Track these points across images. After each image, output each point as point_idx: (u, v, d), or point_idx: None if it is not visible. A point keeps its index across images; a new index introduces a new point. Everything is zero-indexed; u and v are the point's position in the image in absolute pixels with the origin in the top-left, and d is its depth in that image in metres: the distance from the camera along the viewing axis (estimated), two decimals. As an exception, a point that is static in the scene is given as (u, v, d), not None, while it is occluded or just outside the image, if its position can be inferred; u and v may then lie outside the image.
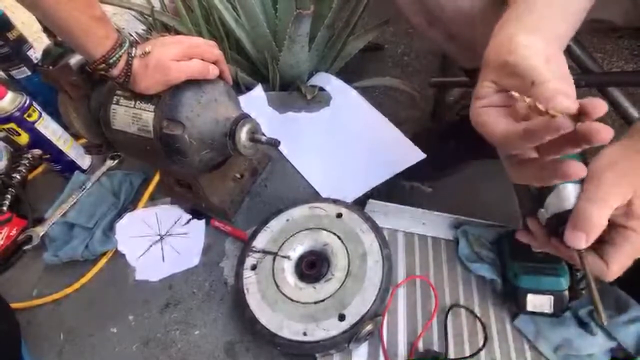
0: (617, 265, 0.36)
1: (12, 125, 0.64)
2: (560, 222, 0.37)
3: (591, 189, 0.35)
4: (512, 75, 0.34)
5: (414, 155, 0.67)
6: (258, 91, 0.82)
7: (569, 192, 0.37)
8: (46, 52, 0.67)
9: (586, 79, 0.75)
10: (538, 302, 0.48)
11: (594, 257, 0.36)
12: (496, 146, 0.38)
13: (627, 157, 0.36)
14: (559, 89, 0.30)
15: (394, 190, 0.68)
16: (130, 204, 0.69)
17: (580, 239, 0.35)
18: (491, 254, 0.54)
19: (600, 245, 0.36)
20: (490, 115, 0.36)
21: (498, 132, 0.35)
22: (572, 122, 0.28)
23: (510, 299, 0.50)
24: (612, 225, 0.35)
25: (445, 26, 0.60)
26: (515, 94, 0.32)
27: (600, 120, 0.29)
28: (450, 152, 0.78)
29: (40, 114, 0.68)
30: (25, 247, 0.63)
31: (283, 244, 0.54)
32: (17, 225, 0.67)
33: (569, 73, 0.35)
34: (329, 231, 0.54)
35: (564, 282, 0.47)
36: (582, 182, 0.36)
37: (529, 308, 0.48)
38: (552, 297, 0.47)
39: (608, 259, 0.36)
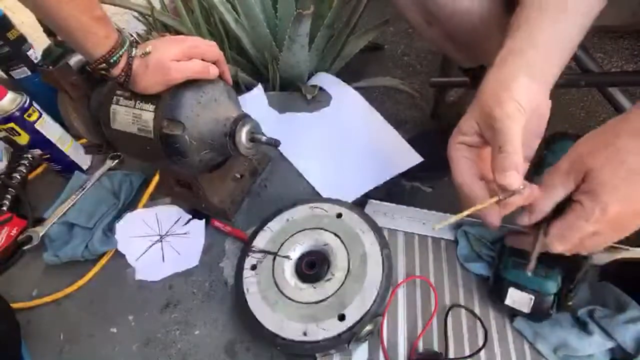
0: (555, 230, 0.38)
1: (12, 125, 0.64)
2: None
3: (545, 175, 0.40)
4: (490, 128, 0.39)
5: (412, 158, 0.68)
6: (258, 91, 0.82)
7: None
8: (46, 52, 0.67)
9: (586, 79, 0.75)
10: (518, 299, 0.47)
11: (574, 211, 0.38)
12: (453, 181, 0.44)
13: (590, 137, 0.38)
14: (516, 165, 0.36)
15: (394, 190, 0.68)
16: (130, 204, 0.69)
17: (523, 217, 0.40)
18: (491, 253, 0.54)
19: None
20: (460, 159, 0.43)
21: (459, 179, 0.42)
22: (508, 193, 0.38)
23: (493, 291, 0.50)
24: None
25: (444, 26, 0.60)
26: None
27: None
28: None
29: (40, 114, 0.68)
30: (25, 247, 0.63)
31: (283, 244, 0.54)
32: (17, 225, 0.67)
33: (541, 132, 0.41)
34: (329, 231, 0.54)
35: (551, 287, 0.46)
36: None
37: (507, 301, 0.48)
38: (533, 298, 0.46)
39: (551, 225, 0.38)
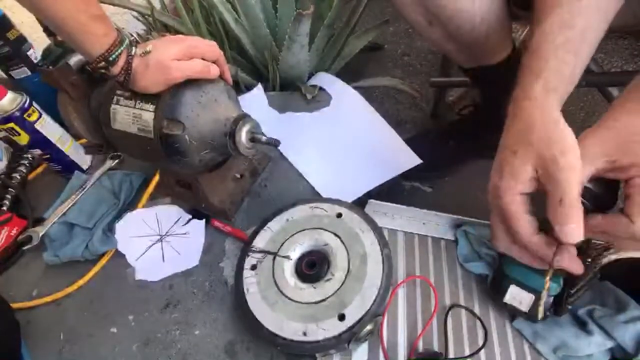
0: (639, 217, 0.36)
1: (12, 125, 0.64)
2: None
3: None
4: (552, 177, 0.36)
5: (410, 160, 0.68)
6: (258, 91, 0.82)
7: None
8: (46, 52, 0.67)
9: (586, 79, 0.75)
10: (517, 297, 0.47)
11: (617, 217, 0.37)
12: (514, 234, 0.42)
13: (597, 127, 0.38)
14: (579, 218, 0.35)
15: (394, 190, 0.68)
16: (130, 204, 0.69)
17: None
18: (491, 252, 0.54)
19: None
20: (523, 217, 0.40)
21: (526, 239, 0.40)
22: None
23: (493, 286, 0.50)
24: (616, 192, 0.37)
25: (444, 26, 0.60)
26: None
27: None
28: (450, 152, 0.78)
29: (40, 114, 0.68)
30: (25, 247, 0.63)
31: (283, 244, 0.54)
32: (18, 225, 0.67)
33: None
34: (329, 231, 0.54)
35: (553, 288, 0.45)
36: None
37: (507, 299, 0.48)
38: (533, 297, 0.46)
39: (629, 213, 0.36)
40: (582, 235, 0.35)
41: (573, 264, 0.39)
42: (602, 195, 0.37)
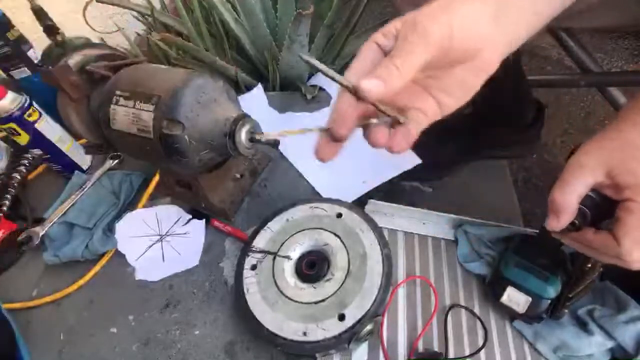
0: (627, 240, 0.34)
1: (12, 125, 0.64)
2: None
3: (563, 172, 0.37)
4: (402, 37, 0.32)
5: (410, 160, 0.68)
6: (258, 91, 0.82)
7: None
8: (46, 52, 0.67)
9: (586, 79, 0.75)
10: (514, 298, 0.47)
11: (606, 236, 0.36)
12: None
13: (602, 137, 0.37)
14: (389, 71, 0.30)
15: (394, 190, 0.68)
16: (130, 204, 0.69)
17: (551, 220, 0.37)
18: (491, 252, 0.54)
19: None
20: (368, 52, 0.33)
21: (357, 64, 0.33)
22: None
23: (491, 286, 0.50)
24: (617, 203, 0.35)
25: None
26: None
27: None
28: (450, 152, 0.78)
29: (40, 114, 0.68)
30: (25, 247, 0.63)
31: (283, 244, 0.54)
32: (6, 227, 0.66)
33: (473, 84, 0.34)
34: (329, 231, 0.54)
35: (550, 291, 0.46)
36: None
37: (504, 299, 0.48)
38: (530, 300, 0.47)
39: (617, 235, 0.35)
40: (379, 93, 0.29)
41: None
42: (603, 204, 0.36)
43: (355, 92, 0.29)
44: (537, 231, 0.52)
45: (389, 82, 0.29)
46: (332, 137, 0.34)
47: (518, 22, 0.34)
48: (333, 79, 0.29)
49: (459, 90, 0.34)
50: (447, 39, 0.30)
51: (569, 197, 0.36)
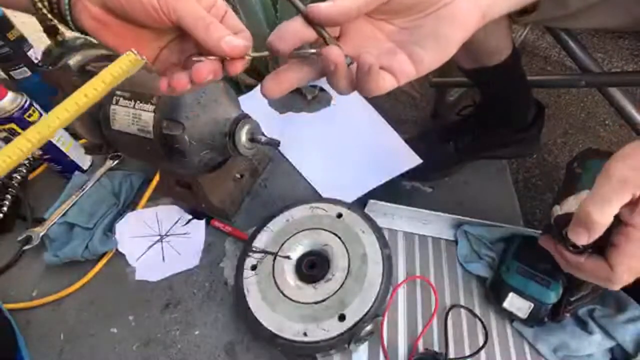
0: (621, 267, 0.34)
1: (12, 125, 0.64)
2: (567, 223, 0.36)
3: (597, 185, 0.33)
4: None
5: (411, 160, 0.68)
6: (258, 91, 0.82)
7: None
8: (46, 53, 0.67)
9: (586, 79, 0.75)
10: (516, 304, 0.48)
11: (599, 261, 0.35)
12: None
13: (631, 154, 0.33)
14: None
15: (394, 190, 0.68)
16: (130, 204, 0.69)
17: (580, 235, 0.33)
18: (490, 253, 0.54)
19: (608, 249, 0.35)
20: None
21: None
22: None
23: (493, 291, 0.50)
24: (618, 224, 0.34)
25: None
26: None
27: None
28: (450, 152, 0.78)
29: (41, 114, 0.67)
30: (25, 247, 0.63)
31: (283, 244, 0.54)
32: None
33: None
34: (329, 231, 0.54)
35: (552, 296, 0.46)
36: None
37: (506, 305, 0.48)
38: (532, 305, 0.47)
39: (611, 262, 0.34)
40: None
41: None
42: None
43: (306, 16, 0.29)
44: (538, 233, 0.52)
45: (340, 2, 0.28)
46: (271, 51, 0.30)
47: None
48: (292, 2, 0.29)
49: (433, 43, 0.31)
50: None
51: (608, 216, 0.32)
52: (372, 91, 0.30)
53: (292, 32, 0.29)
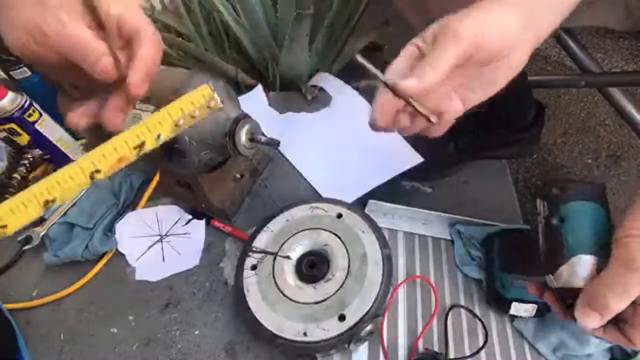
0: None
1: (12, 125, 0.64)
2: (569, 295, 0.35)
3: (617, 271, 0.31)
4: (435, 41, 0.35)
5: (412, 158, 0.68)
6: (258, 91, 0.82)
7: (583, 268, 0.34)
8: (46, 52, 0.66)
9: (586, 79, 0.75)
10: (521, 309, 0.48)
11: (619, 335, 0.34)
12: None
13: None
14: (425, 72, 0.33)
15: (394, 190, 0.68)
16: (130, 204, 0.69)
17: (593, 320, 0.32)
18: (479, 254, 0.54)
19: (620, 322, 0.34)
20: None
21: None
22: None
23: (495, 304, 0.51)
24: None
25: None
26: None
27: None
28: (450, 152, 0.78)
29: (41, 114, 0.67)
30: (25, 247, 0.63)
31: (283, 244, 0.54)
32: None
33: (493, 80, 0.35)
34: (329, 231, 0.54)
35: None
36: (596, 254, 0.34)
37: (512, 312, 0.49)
38: (536, 306, 0.47)
39: (631, 338, 0.33)
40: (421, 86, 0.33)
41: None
42: None
43: (393, 89, 0.33)
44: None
45: (423, 79, 0.32)
46: (372, 128, 0.40)
47: (543, 21, 0.34)
48: (376, 77, 0.34)
49: (487, 88, 0.35)
50: (478, 36, 0.32)
51: (625, 304, 0.31)
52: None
53: (388, 110, 0.38)
